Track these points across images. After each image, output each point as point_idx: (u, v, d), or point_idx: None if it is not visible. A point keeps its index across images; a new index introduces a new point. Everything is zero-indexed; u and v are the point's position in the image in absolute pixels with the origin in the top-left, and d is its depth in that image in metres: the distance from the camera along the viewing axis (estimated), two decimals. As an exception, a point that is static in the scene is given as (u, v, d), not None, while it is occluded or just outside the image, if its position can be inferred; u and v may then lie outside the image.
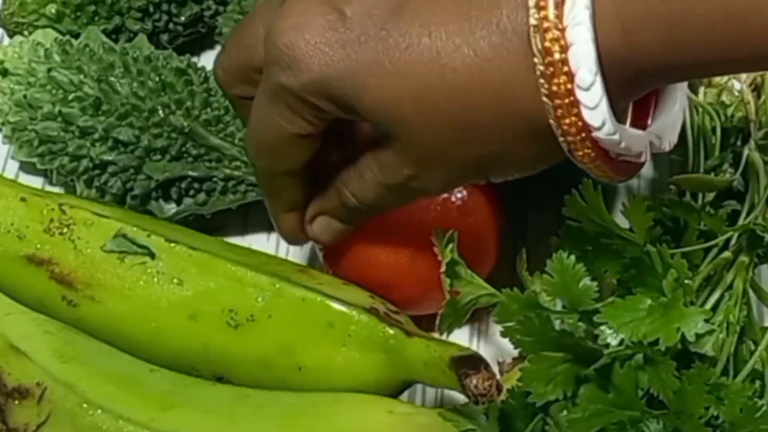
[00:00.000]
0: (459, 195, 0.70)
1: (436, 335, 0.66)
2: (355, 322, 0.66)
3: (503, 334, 0.61)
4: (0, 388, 0.65)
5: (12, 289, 0.70)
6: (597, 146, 0.55)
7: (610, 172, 0.57)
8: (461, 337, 0.72)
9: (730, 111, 0.72)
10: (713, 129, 0.71)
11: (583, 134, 0.54)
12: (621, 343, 0.59)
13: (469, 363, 0.62)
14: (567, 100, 0.53)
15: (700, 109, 0.72)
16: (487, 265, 0.72)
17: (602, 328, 0.59)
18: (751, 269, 0.64)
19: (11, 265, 0.69)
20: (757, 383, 0.62)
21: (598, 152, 0.55)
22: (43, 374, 0.64)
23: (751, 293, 0.65)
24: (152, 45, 0.81)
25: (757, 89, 0.72)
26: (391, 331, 0.66)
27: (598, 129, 0.53)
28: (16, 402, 0.64)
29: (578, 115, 0.53)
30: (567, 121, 0.54)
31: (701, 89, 0.73)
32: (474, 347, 0.71)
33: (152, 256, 0.68)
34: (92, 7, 0.79)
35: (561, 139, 0.54)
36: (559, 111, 0.53)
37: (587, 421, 0.58)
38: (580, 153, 0.55)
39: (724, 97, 0.74)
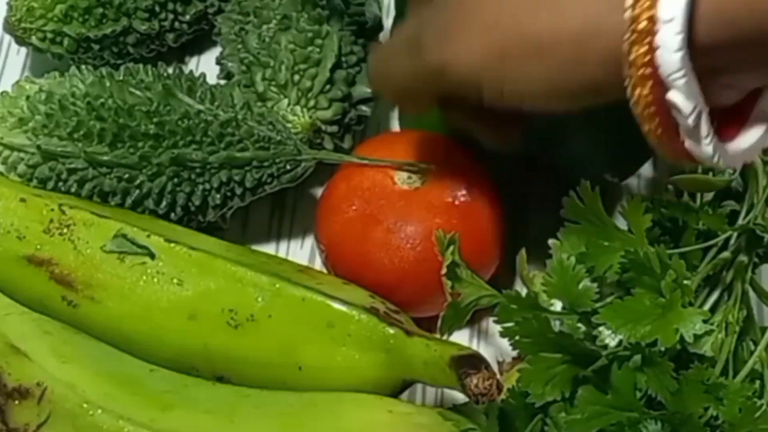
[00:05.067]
0: (461, 197, 0.71)
1: (436, 335, 0.66)
2: (355, 322, 0.66)
3: (503, 335, 0.61)
4: (0, 388, 0.65)
5: (12, 290, 0.70)
6: (659, 97, 0.51)
7: (666, 140, 0.53)
8: (461, 337, 0.72)
9: None
10: None
11: (649, 70, 0.51)
12: (619, 344, 0.59)
13: (469, 362, 0.62)
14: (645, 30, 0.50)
15: None
16: (489, 266, 0.72)
17: (600, 329, 0.59)
18: (750, 269, 0.64)
19: (11, 265, 0.69)
20: (757, 383, 0.62)
21: (658, 107, 0.52)
22: (43, 374, 0.65)
23: (751, 293, 0.65)
24: (158, 45, 0.81)
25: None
26: (391, 331, 0.66)
27: (672, 74, 0.50)
28: (16, 402, 0.64)
29: (651, 45, 0.50)
30: (638, 49, 0.50)
31: None
32: (474, 347, 0.71)
33: (152, 256, 0.68)
34: (100, 10, 0.79)
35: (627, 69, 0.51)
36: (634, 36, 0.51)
37: (586, 423, 0.59)
38: (637, 93, 0.51)
39: None
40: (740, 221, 0.65)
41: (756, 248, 0.64)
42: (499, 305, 0.61)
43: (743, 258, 0.64)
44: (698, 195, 0.66)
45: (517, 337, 0.60)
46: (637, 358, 0.58)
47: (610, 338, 0.59)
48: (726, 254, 0.63)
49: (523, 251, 0.71)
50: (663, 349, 0.58)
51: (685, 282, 0.60)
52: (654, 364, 0.58)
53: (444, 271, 0.64)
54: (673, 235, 0.64)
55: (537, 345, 0.59)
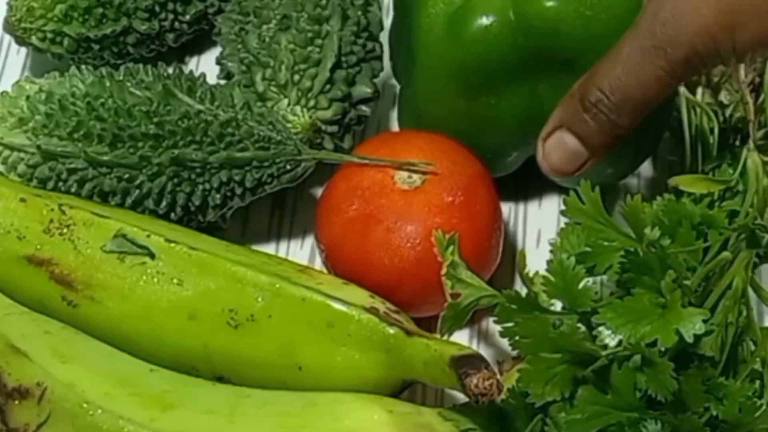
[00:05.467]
0: (461, 197, 0.70)
1: (436, 335, 0.66)
2: (355, 322, 0.66)
3: (502, 335, 0.61)
4: (0, 388, 0.65)
5: (12, 290, 0.70)
6: None
7: None
8: (461, 337, 0.72)
9: (728, 111, 0.72)
10: (711, 129, 0.71)
11: None
12: (619, 344, 0.59)
13: (469, 362, 0.62)
14: None
15: (698, 109, 0.72)
16: (489, 266, 0.72)
17: (600, 329, 0.59)
18: (750, 269, 0.64)
19: (11, 265, 0.69)
20: (757, 383, 0.62)
21: None
22: (43, 374, 0.65)
23: (751, 293, 0.65)
24: (158, 45, 0.81)
25: (755, 89, 0.72)
26: (391, 331, 0.66)
27: None
28: (16, 402, 0.64)
29: None
30: None
31: (699, 89, 0.73)
32: (474, 347, 0.71)
33: (152, 256, 0.68)
34: (100, 10, 0.79)
35: None
36: None
37: (586, 423, 0.58)
38: None
39: (722, 97, 0.73)
40: (740, 221, 0.65)
41: (756, 248, 0.64)
42: (498, 305, 0.61)
43: (743, 258, 0.64)
44: (698, 195, 0.66)
45: (516, 337, 0.60)
46: (637, 358, 0.58)
47: (610, 338, 0.59)
48: (726, 254, 0.63)
49: (523, 251, 0.72)
50: (663, 349, 0.58)
51: (686, 282, 0.60)
52: (654, 364, 0.58)
53: (444, 271, 0.64)
54: (673, 235, 0.64)
55: (537, 345, 0.59)
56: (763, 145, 0.69)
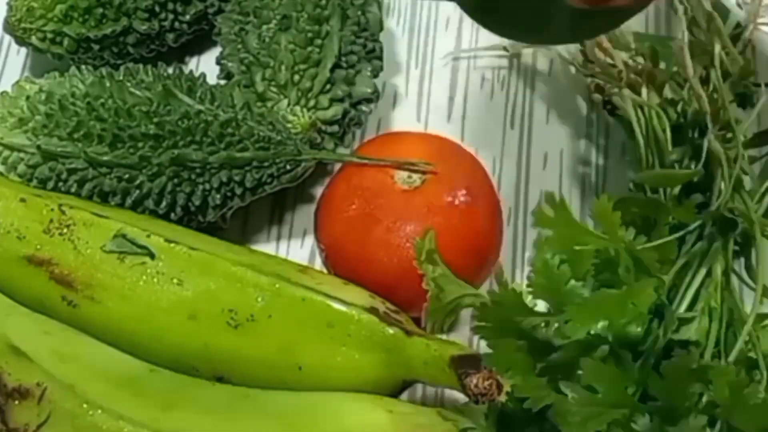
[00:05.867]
0: (461, 197, 0.71)
1: (436, 335, 0.67)
2: (355, 322, 0.66)
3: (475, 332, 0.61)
4: (0, 388, 0.65)
5: (12, 290, 0.70)
6: None
7: None
8: (461, 337, 0.72)
9: (679, 107, 0.70)
10: (663, 129, 0.69)
11: None
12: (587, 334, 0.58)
13: (469, 362, 0.62)
14: None
15: (647, 109, 0.69)
16: (488, 266, 0.72)
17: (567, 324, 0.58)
18: (730, 255, 0.63)
19: (11, 265, 0.69)
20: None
21: None
22: (43, 374, 0.65)
23: (737, 281, 0.64)
24: (158, 45, 0.81)
25: (705, 81, 0.69)
26: (391, 331, 0.66)
27: None
28: (16, 402, 0.64)
29: None
30: None
31: (643, 89, 0.71)
32: (474, 347, 0.71)
33: (152, 256, 0.68)
34: (100, 10, 0.79)
35: None
36: None
37: (582, 425, 0.58)
38: None
39: (668, 93, 0.71)
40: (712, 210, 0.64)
41: (729, 232, 0.63)
42: (481, 305, 0.61)
43: (718, 244, 0.63)
44: (662, 191, 0.65)
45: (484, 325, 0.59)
46: (605, 347, 0.57)
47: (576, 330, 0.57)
48: (701, 244, 0.63)
49: (498, 262, 0.71)
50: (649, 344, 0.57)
51: (663, 277, 0.59)
52: (618, 354, 0.58)
53: (423, 257, 0.64)
54: (647, 232, 0.63)
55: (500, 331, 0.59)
56: (723, 136, 0.67)
